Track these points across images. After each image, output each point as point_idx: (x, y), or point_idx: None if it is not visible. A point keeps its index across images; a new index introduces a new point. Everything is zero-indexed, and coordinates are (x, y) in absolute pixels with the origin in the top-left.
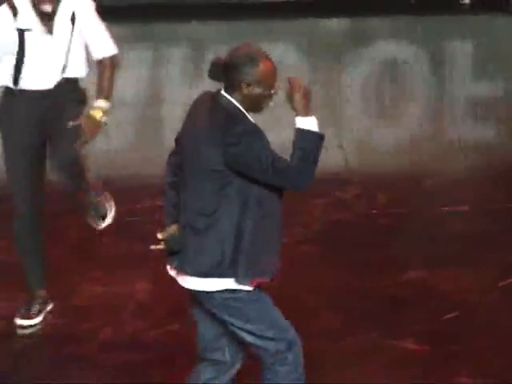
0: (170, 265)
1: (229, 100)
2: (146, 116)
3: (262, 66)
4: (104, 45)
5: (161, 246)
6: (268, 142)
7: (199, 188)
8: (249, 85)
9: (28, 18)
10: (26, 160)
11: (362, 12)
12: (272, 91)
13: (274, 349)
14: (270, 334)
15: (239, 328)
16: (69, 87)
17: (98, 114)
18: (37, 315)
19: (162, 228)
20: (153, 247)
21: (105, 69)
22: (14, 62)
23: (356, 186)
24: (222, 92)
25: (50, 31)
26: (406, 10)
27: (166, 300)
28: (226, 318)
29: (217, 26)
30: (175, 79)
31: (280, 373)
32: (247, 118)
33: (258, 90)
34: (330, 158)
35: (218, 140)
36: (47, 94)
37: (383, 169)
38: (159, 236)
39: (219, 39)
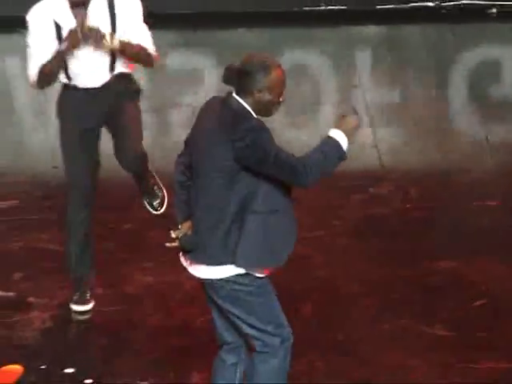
0: (184, 256)
1: (239, 102)
2: None
3: (274, 75)
4: (147, 45)
5: (175, 244)
6: (273, 137)
7: (210, 184)
8: (260, 91)
9: (64, 12)
10: (80, 149)
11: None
12: (281, 98)
13: (270, 342)
14: (269, 328)
15: (241, 320)
16: (123, 81)
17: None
18: (90, 301)
19: (176, 226)
20: (168, 245)
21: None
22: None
23: (390, 182)
24: (233, 95)
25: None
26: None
27: None
28: (231, 308)
29: (262, 34)
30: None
31: (270, 365)
32: (253, 116)
33: (268, 97)
34: (366, 157)
35: (227, 136)
36: (102, 90)
37: (415, 166)
38: (173, 235)
39: (264, 46)
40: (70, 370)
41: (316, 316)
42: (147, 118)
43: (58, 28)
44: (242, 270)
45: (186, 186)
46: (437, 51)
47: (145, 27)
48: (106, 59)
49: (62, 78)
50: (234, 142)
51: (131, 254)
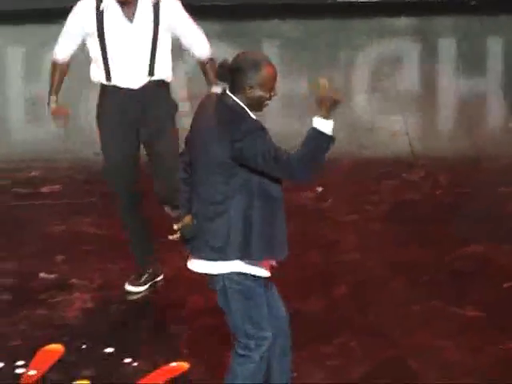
0: (186, 251)
1: (234, 100)
2: None
3: (265, 71)
4: (203, 44)
5: (177, 236)
6: (270, 137)
7: (209, 180)
8: (252, 87)
9: (112, 9)
10: (121, 152)
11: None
12: (272, 94)
13: (246, 343)
14: (247, 328)
15: (229, 315)
16: (160, 92)
17: None
18: (144, 284)
19: (177, 220)
20: (170, 237)
21: (208, 70)
22: (100, 54)
23: (421, 168)
24: (228, 92)
25: (129, 19)
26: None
27: None
28: (222, 303)
29: (296, 25)
30: None
31: (246, 368)
32: (250, 116)
33: (259, 93)
34: (398, 144)
35: (225, 136)
36: (139, 95)
37: (445, 153)
38: (175, 227)
39: (298, 37)
40: (109, 350)
41: (348, 298)
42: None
43: (101, 23)
44: (237, 268)
45: (188, 183)
46: (467, 41)
47: (193, 23)
48: (146, 61)
49: (102, 78)
50: (233, 143)
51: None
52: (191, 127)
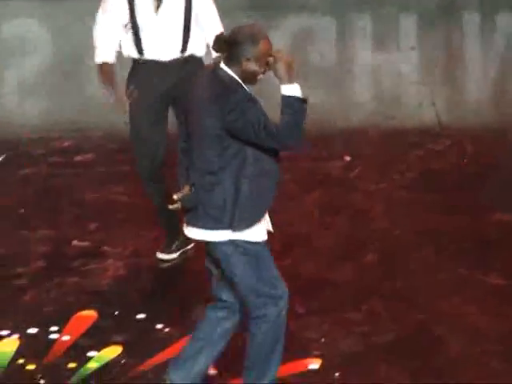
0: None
1: (226, 72)
2: None
3: (262, 45)
4: (217, 25)
5: (177, 205)
6: (261, 107)
7: (204, 152)
8: (248, 60)
9: None
10: (147, 124)
11: None
12: (267, 68)
13: (261, 303)
14: (261, 288)
15: (233, 280)
16: (194, 67)
17: None
18: (175, 251)
19: (177, 190)
20: (170, 207)
21: None
22: (132, 30)
23: (447, 138)
24: (221, 65)
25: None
26: None
27: (281, 238)
28: (226, 269)
29: None
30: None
31: (262, 330)
32: (243, 87)
33: (254, 67)
34: (425, 114)
35: (217, 108)
36: (171, 69)
37: (471, 123)
38: (175, 197)
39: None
40: (141, 316)
41: (377, 265)
42: None
43: (132, 3)
44: (235, 236)
45: (186, 153)
46: (492, 12)
47: (213, 6)
48: (180, 34)
49: (133, 53)
50: (225, 114)
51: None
52: (188, 99)
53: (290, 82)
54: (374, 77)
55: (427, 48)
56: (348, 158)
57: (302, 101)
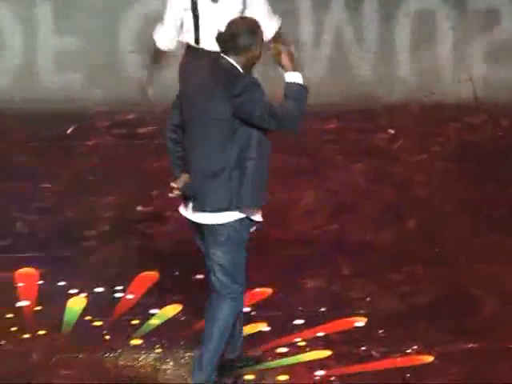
0: (185, 206)
1: (228, 61)
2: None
3: (259, 34)
4: (268, 26)
5: (177, 193)
6: (265, 92)
7: (209, 136)
8: (251, 50)
9: None
10: None
11: None
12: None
13: (236, 289)
14: (240, 276)
15: (220, 261)
16: None
17: None
18: None
19: (175, 178)
20: (171, 195)
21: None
22: (192, 21)
23: (483, 112)
24: (223, 55)
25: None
26: None
27: (327, 205)
28: (219, 250)
29: None
30: None
31: (231, 308)
32: (247, 74)
33: (256, 54)
34: (462, 90)
35: (225, 93)
36: None
37: (506, 98)
38: (174, 185)
39: None
40: (200, 276)
41: (417, 231)
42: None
43: (195, 3)
44: (241, 215)
45: (178, 143)
46: None
47: (266, 4)
48: None
49: (189, 39)
50: (233, 99)
51: None
52: (183, 89)
53: (294, 70)
54: (415, 54)
55: (465, 27)
56: (391, 131)
57: (304, 88)
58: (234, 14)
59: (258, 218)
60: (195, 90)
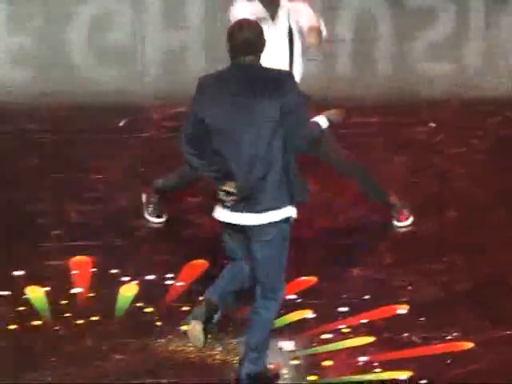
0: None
1: (258, 66)
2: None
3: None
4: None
5: (233, 197)
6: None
7: (255, 138)
8: (262, 50)
9: (259, 7)
10: None
11: None
12: None
13: (278, 287)
14: (282, 276)
15: (271, 260)
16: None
17: None
18: None
19: (222, 186)
20: (225, 198)
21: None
22: None
23: None
24: (250, 62)
25: (274, 19)
26: None
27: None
28: (266, 251)
29: None
30: None
31: (274, 307)
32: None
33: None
34: (501, 85)
35: (277, 94)
36: None
37: None
38: (228, 189)
39: None
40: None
41: (457, 221)
42: None
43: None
44: (288, 213)
45: (200, 155)
46: None
47: (309, 11)
48: (286, 50)
49: None
50: (282, 99)
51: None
52: (211, 101)
53: (327, 120)
54: (455, 52)
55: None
56: (433, 125)
57: (322, 130)
58: (285, 40)
59: (295, 214)
60: (235, 102)
